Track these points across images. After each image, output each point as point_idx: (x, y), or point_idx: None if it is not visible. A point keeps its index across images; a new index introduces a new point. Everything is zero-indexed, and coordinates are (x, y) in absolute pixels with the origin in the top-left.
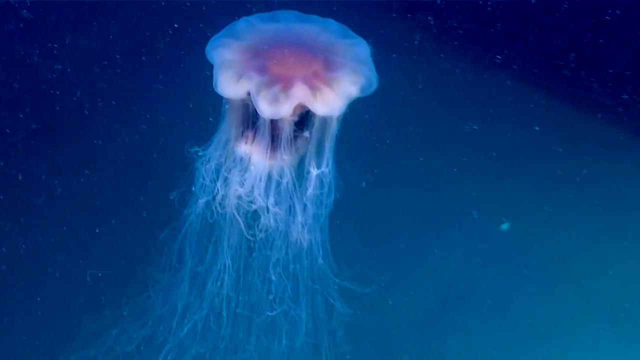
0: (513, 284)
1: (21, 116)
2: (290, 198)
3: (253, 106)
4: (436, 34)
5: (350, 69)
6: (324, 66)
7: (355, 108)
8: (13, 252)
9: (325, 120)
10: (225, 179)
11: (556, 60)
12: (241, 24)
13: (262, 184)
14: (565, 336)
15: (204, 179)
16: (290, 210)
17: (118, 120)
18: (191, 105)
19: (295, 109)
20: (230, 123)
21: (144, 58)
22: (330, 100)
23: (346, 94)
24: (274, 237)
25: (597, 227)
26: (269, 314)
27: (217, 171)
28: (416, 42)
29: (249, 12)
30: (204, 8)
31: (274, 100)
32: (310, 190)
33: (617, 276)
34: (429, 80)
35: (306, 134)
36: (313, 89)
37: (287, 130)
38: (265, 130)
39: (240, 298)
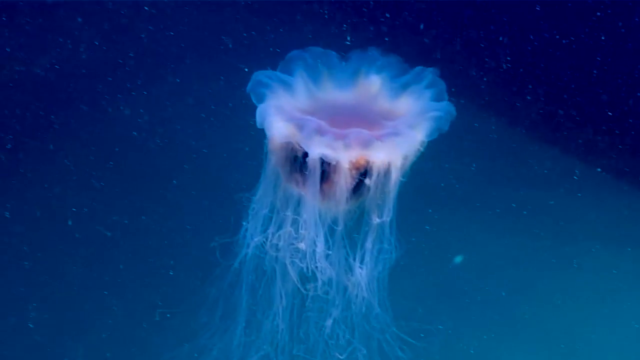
0: (464, 317)
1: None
2: (347, 247)
3: (305, 150)
4: None
5: (413, 113)
6: (385, 109)
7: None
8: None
9: (385, 168)
10: (277, 225)
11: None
12: (296, 61)
13: (317, 232)
14: None
15: (254, 224)
16: (347, 260)
17: (165, 163)
18: (247, 149)
19: (352, 156)
20: (282, 165)
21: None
22: (390, 146)
23: (408, 140)
24: (329, 286)
25: (551, 260)
26: None
27: (269, 216)
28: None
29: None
30: (245, 42)
31: (330, 146)
32: (369, 240)
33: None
34: None
35: (366, 180)
36: (372, 131)
37: (343, 176)
38: (318, 175)
39: (295, 346)
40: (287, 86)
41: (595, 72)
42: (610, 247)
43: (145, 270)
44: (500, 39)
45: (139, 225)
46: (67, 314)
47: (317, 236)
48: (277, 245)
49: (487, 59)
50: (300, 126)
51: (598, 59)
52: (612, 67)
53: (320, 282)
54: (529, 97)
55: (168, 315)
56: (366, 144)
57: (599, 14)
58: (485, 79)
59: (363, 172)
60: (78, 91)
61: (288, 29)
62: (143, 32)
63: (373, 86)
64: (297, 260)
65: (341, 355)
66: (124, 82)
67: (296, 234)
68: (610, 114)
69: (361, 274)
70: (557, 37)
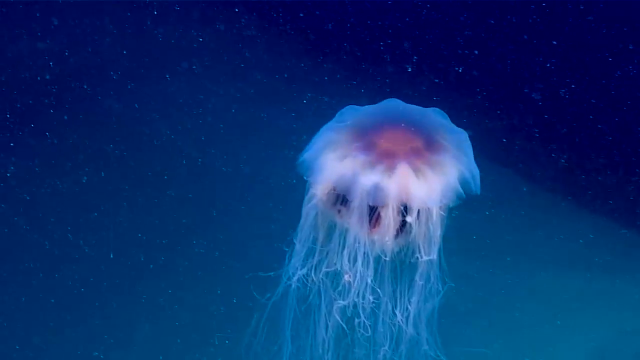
0: None
1: None
2: (392, 285)
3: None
4: None
5: (452, 154)
6: (426, 147)
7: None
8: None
9: (427, 209)
10: (322, 257)
11: None
12: (347, 109)
13: (362, 266)
14: None
15: (299, 255)
16: (393, 298)
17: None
18: (294, 181)
19: (397, 189)
20: (327, 197)
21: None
22: (431, 184)
23: (447, 181)
24: (375, 323)
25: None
26: None
27: (313, 248)
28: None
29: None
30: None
31: (378, 180)
32: (417, 279)
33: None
34: None
35: (408, 219)
36: (415, 170)
37: (388, 216)
38: (365, 207)
39: None
40: (340, 116)
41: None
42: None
43: (191, 296)
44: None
45: (188, 252)
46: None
47: (362, 270)
48: (322, 277)
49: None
50: (353, 158)
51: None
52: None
53: (364, 317)
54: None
55: (215, 342)
56: (409, 178)
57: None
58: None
59: (405, 209)
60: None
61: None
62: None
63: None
64: (341, 294)
65: None
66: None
67: (341, 267)
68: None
69: (407, 309)
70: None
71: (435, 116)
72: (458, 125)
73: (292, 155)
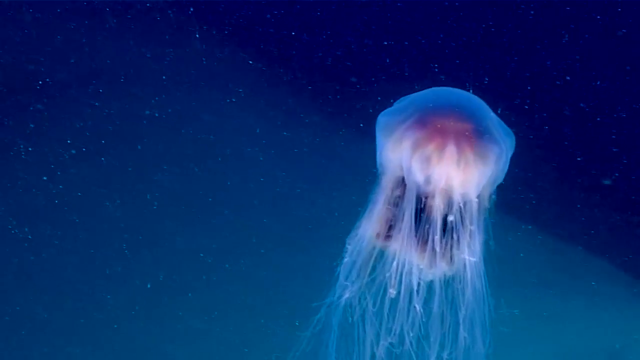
0: None
1: None
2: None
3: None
4: None
5: (497, 149)
6: (475, 133)
7: None
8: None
9: (468, 204)
10: (370, 274)
11: None
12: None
13: (410, 279)
14: None
15: (347, 273)
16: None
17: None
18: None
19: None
20: (381, 209)
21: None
22: (472, 169)
23: (488, 169)
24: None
25: None
26: None
27: (362, 265)
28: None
29: None
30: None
31: (427, 160)
32: (466, 287)
33: None
34: None
35: (450, 217)
36: (460, 154)
37: (434, 211)
38: (412, 212)
39: None
40: (397, 103)
41: None
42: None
43: (236, 315)
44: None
45: (237, 270)
46: None
47: (411, 287)
48: (370, 294)
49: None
50: (407, 138)
51: None
52: None
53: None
54: None
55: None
56: (454, 161)
57: None
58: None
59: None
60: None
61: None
62: None
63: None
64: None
65: None
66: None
67: (390, 285)
68: None
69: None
70: None
71: (488, 108)
72: None
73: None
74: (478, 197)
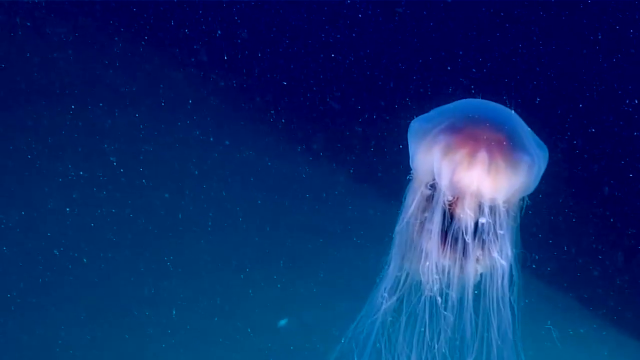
0: None
1: None
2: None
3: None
4: None
5: (529, 161)
6: (506, 141)
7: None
8: None
9: (497, 210)
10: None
11: None
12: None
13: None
14: None
15: (385, 284)
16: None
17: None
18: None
19: (471, 197)
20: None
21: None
22: (502, 177)
23: (517, 178)
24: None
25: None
26: None
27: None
28: None
29: None
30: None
31: (458, 164)
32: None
33: None
34: None
35: (482, 219)
36: (492, 161)
37: (464, 215)
38: (442, 215)
39: None
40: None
41: None
42: None
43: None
44: None
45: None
46: None
47: (445, 291)
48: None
49: None
50: (439, 142)
51: None
52: None
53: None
54: None
55: None
56: (485, 167)
57: None
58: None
59: (478, 211)
60: None
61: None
62: None
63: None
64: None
65: None
66: None
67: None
68: None
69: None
70: None
71: (521, 120)
72: None
73: None
74: (507, 203)
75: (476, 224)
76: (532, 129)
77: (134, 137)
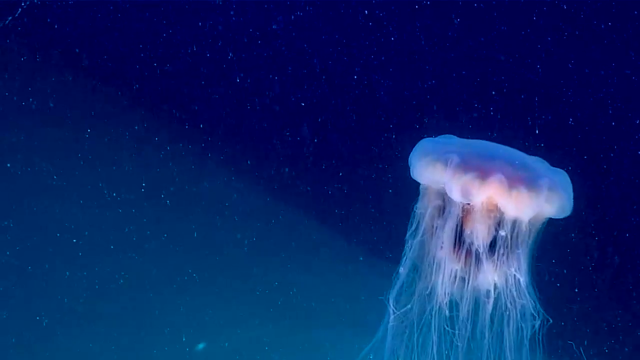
0: None
1: None
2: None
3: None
4: None
5: (550, 185)
6: (525, 176)
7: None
8: None
9: (519, 225)
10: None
11: None
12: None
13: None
14: None
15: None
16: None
17: None
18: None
19: (489, 207)
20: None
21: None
22: (524, 202)
23: (540, 205)
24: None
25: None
26: None
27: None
28: None
29: None
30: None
31: (468, 184)
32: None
33: None
34: None
35: (502, 232)
36: (510, 186)
37: (480, 228)
38: (455, 223)
39: None
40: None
41: None
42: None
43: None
44: None
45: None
46: None
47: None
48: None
49: None
50: (447, 160)
51: None
52: None
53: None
54: None
55: None
56: (502, 190)
57: None
58: None
59: (497, 225)
60: None
61: None
62: None
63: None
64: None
65: None
66: None
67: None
68: None
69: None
70: None
71: (534, 159)
72: None
73: None
74: (530, 224)
75: (494, 237)
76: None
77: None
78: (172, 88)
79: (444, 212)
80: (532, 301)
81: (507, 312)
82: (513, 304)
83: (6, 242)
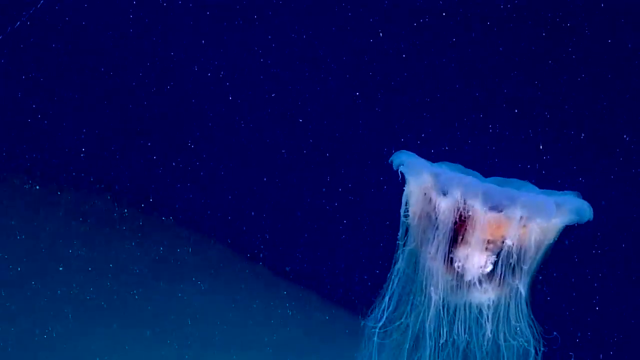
0: None
1: None
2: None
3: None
4: None
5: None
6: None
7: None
8: None
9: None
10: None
11: None
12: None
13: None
14: None
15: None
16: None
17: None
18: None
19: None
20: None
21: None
22: (527, 230)
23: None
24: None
25: None
26: None
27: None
28: None
29: None
30: None
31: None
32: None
33: None
34: None
35: (508, 241)
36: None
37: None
38: (449, 233)
39: None
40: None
41: None
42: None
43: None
44: None
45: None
46: None
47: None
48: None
49: None
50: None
51: None
52: None
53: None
54: None
55: None
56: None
57: None
58: None
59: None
60: None
61: None
62: None
63: None
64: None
65: None
66: None
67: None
68: None
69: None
70: None
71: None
72: None
73: None
74: (539, 240)
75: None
76: None
77: None
78: None
79: (435, 222)
80: (530, 315)
81: (505, 326)
82: (511, 317)
83: None
